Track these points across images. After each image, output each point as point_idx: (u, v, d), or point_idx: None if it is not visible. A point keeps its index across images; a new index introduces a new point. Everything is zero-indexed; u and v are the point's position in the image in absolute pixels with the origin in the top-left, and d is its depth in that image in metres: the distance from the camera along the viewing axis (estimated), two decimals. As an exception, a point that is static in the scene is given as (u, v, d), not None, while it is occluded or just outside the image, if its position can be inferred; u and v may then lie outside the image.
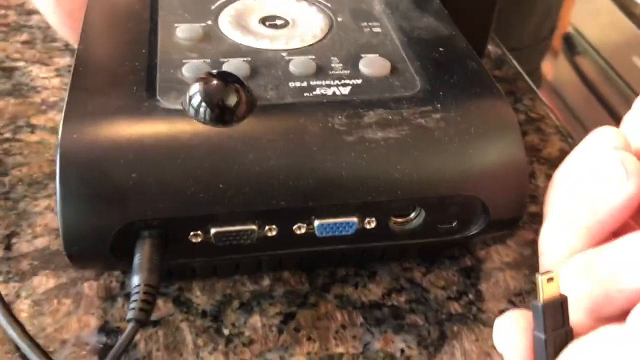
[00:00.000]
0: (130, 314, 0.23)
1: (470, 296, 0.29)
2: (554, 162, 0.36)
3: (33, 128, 0.36)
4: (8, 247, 0.30)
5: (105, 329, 0.27)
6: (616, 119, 0.39)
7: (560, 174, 0.23)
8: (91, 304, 0.28)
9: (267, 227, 0.26)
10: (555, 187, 0.23)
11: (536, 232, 0.33)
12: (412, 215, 0.27)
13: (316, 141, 0.25)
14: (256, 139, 0.25)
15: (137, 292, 0.23)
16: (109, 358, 0.22)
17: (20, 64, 0.41)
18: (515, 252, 0.32)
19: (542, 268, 0.23)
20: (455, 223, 0.28)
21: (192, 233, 0.25)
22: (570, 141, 0.39)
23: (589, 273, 0.20)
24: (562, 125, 0.40)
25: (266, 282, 0.29)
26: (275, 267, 0.29)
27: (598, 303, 0.19)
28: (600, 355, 0.18)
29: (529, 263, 0.31)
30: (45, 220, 0.31)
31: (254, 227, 0.26)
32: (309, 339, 0.27)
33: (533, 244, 0.32)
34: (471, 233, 0.28)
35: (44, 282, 0.29)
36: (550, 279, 0.19)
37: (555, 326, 0.19)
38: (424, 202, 0.26)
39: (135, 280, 0.23)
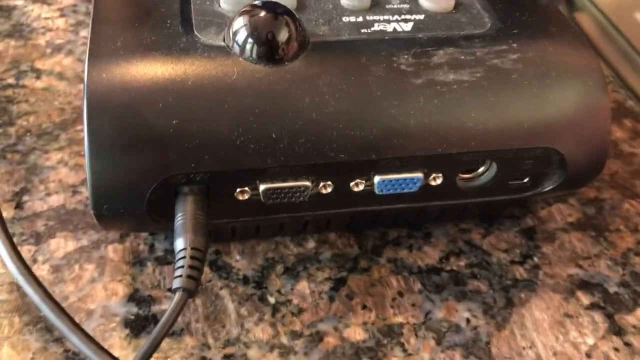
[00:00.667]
0: (176, 283, 0.19)
1: (536, 260, 0.27)
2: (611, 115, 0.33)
3: (38, 73, 0.32)
4: (19, 206, 0.26)
5: (135, 297, 0.24)
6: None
7: None
8: (117, 269, 0.25)
9: (322, 184, 0.23)
10: None
11: (598, 190, 0.30)
12: (481, 170, 0.24)
13: (380, 84, 0.22)
14: (312, 80, 0.22)
15: (182, 257, 0.20)
16: (155, 335, 0.18)
17: (19, 2, 0.36)
18: (579, 212, 0.29)
19: None
20: (527, 179, 0.25)
21: (238, 189, 0.22)
22: (623, 92, 0.36)
23: None
24: (616, 75, 0.37)
25: (311, 244, 0.26)
26: (323, 227, 0.26)
27: None
28: None
29: (594, 223, 0.28)
30: (59, 175, 0.28)
31: (307, 183, 0.22)
32: (364, 307, 0.24)
33: (597, 203, 0.29)
34: (544, 190, 0.25)
35: (62, 245, 0.25)
36: None
37: None
38: (499, 154, 0.23)
39: (180, 243, 0.20)
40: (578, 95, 0.23)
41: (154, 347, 0.18)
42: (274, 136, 0.21)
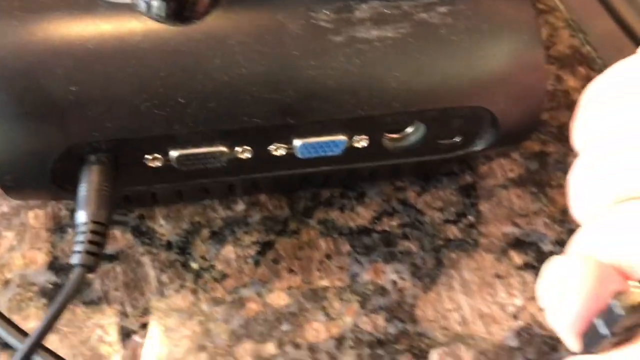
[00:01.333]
0: (75, 259, 0.19)
1: (470, 218, 0.26)
2: (564, 61, 0.32)
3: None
4: None
5: (54, 266, 0.23)
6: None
7: (597, 88, 0.18)
8: (37, 236, 0.24)
9: (238, 149, 0.22)
10: (588, 108, 0.18)
11: (544, 143, 0.29)
12: (409, 130, 0.23)
13: (297, 43, 0.21)
14: (223, 40, 0.20)
15: (83, 232, 0.19)
16: (52, 312, 0.18)
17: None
18: (521, 167, 0.28)
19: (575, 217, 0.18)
20: (459, 138, 0.24)
21: (149, 157, 0.21)
22: (581, 37, 0.34)
23: None
24: (573, 19, 0.35)
25: (240, 207, 0.26)
26: (251, 190, 0.26)
27: None
28: None
29: (536, 179, 0.28)
30: (-22, 136, 0.27)
31: (223, 148, 0.21)
32: (289, 271, 0.24)
33: (541, 157, 0.28)
34: (477, 149, 0.24)
35: (-21, 210, 0.25)
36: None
37: (623, 331, 0.16)
38: (426, 115, 0.22)
39: (81, 216, 0.19)
40: (511, 51, 0.22)
41: (49, 326, 0.18)
42: (181, 101, 0.20)
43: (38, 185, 0.21)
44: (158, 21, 0.20)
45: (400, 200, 0.26)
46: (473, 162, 0.28)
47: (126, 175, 0.22)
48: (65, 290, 0.18)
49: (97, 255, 0.19)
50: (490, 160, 0.28)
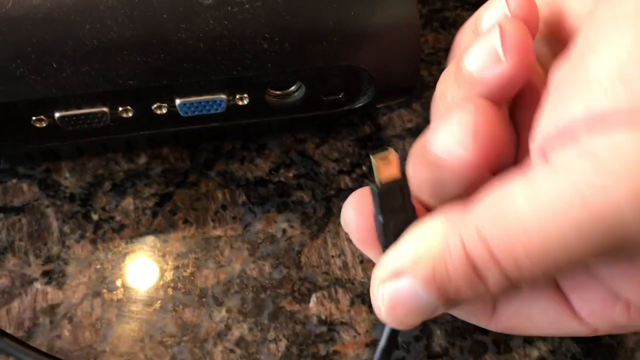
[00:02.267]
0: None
1: (364, 168, 0.27)
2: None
3: None
4: None
5: (-37, 218, 0.25)
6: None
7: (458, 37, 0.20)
8: (-52, 190, 0.26)
9: (120, 109, 0.23)
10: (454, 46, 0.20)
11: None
12: (292, 88, 0.24)
13: (166, 6, 0.21)
14: (93, 5, 0.21)
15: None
16: None
17: None
18: (420, 117, 0.29)
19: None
20: (342, 94, 0.25)
21: (34, 118, 0.22)
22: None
23: (423, 158, 0.17)
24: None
25: (143, 159, 0.27)
26: (151, 145, 0.27)
27: (436, 188, 0.18)
28: (434, 246, 0.17)
29: (434, 129, 0.29)
30: None
31: (104, 109, 0.23)
32: (185, 221, 0.26)
33: (441, 107, 0.29)
34: (360, 104, 0.25)
35: None
36: (385, 159, 0.17)
37: (396, 209, 0.18)
38: (302, 75, 0.23)
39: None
40: (382, 9, 0.23)
41: None
42: (55, 66, 0.21)
43: None
44: (30, -13, 0.21)
45: (299, 151, 0.28)
46: (374, 114, 0.29)
47: (18, 135, 0.23)
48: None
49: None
50: (391, 111, 0.29)
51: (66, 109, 0.22)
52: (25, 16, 0.21)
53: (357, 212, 0.19)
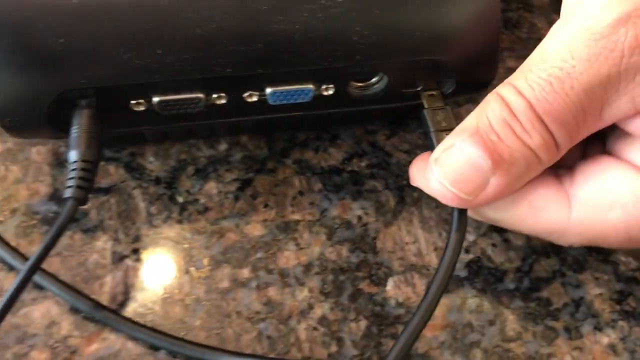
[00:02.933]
0: (67, 192, 0.22)
1: (435, 160, 0.28)
2: (541, 11, 0.33)
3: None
4: (-52, 110, 0.28)
5: (55, 196, 0.26)
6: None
7: None
8: (40, 170, 0.27)
9: (214, 95, 0.24)
10: None
11: (511, 90, 0.31)
12: (374, 80, 0.25)
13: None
14: (198, -4, 0.22)
15: (74, 169, 0.22)
16: (47, 239, 0.21)
17: None
18: (487, 113, 0.30)
19: None
20: (421, 87, 0.26)
21: (133, 102, 0.24)
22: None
23: None
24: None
25: (223, 146, 0.28)
26: (231, 132, 0.28)
27: None
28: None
29: (500, 124, 0.30)
30: (-14, 78, 0.29)
31: (200, 95, 0.24)
32: (265, 206, 0.27)
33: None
34: (438, 97, 0.26)
35: (-11, 147, 0.27)
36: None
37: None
38: (387, 67, 0.24)
39: (72, 155, 0.22)
40: (467, 4, 0.24)
41: (46, 251, 0.21)
42: (159, 52, 0.22)
43: (34, 126, 0.23)
44: (138, -22, 0.22)
45: (370, 142, 0.29)
46: (442, 108, 0.30)
47: (114, 118, 0.24)
48: (59, 221, 0.21)
49: (87, 189, 0.22)
50: (459, 106, 0.30)
51: (164, 94, 0.23)
52: (135, 5, 0.22)
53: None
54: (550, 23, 0.33)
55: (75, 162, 0.22)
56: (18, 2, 0.22)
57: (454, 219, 0.23)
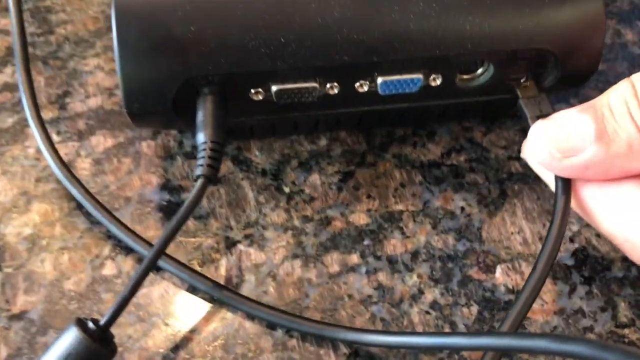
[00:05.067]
0: (198, 171, 0.22)
1: (532, 156, 0.29)
2: (623, 16, 0.34)
3: (72, -16, 0.34)
4: (62, 107, 0.30)
5: (167, 186, 0.27)
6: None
7: None
8: (150, 162, 0.28)
9: (328, 85, 0.25)
10: None
11: (601, 91, 0.31)
12: (480, 71, 0.26)
13: (382, -10, 0.24)
14: (318, -12, 0.24)
15: (204, 149, 0.23)
16: (181, 213, 0.22)
17: None
18: (579, 112, 0.30)
19: None
20: (524, 79, 0.26)
21: (253, 90, 0.25)
22: (641, -6, 0.36)
23: None
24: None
25: (323, 142, 0.29)
26: (333, 126, 0.29)
27: None
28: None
29: (593, 122, 0.30)
30: (96, 79, 0.31)
31: (315, 84, 0.25)
32: (368, 196, 0.27)
33: (598, 103, 0.31)
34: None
35: (102, 141, 0.29)
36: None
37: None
38: (495, 55, 0.25)
39: (201, 137, 0.23)
40: (574, -1, 0.25)
41: (180, 225, 0.21)
42: (282, 40, 0.23)
43: (160, 112, 0.24)
44: (263, -28, 0.24)
45: (467, 138, 0.29)
46: (535, 106, 0.30)
47: (233, 107, 0.25)
48: (190, 198, 0.22)
49: (215, 168, 0.23)
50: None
51: (283, 83, 0.24)
52: (260, -5, 0.23)
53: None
54: (633, 28, 0.34)
55: (204, 142, 0.23)
56: (154, -8, 0.23)
57: (558, 187, 0.23)
